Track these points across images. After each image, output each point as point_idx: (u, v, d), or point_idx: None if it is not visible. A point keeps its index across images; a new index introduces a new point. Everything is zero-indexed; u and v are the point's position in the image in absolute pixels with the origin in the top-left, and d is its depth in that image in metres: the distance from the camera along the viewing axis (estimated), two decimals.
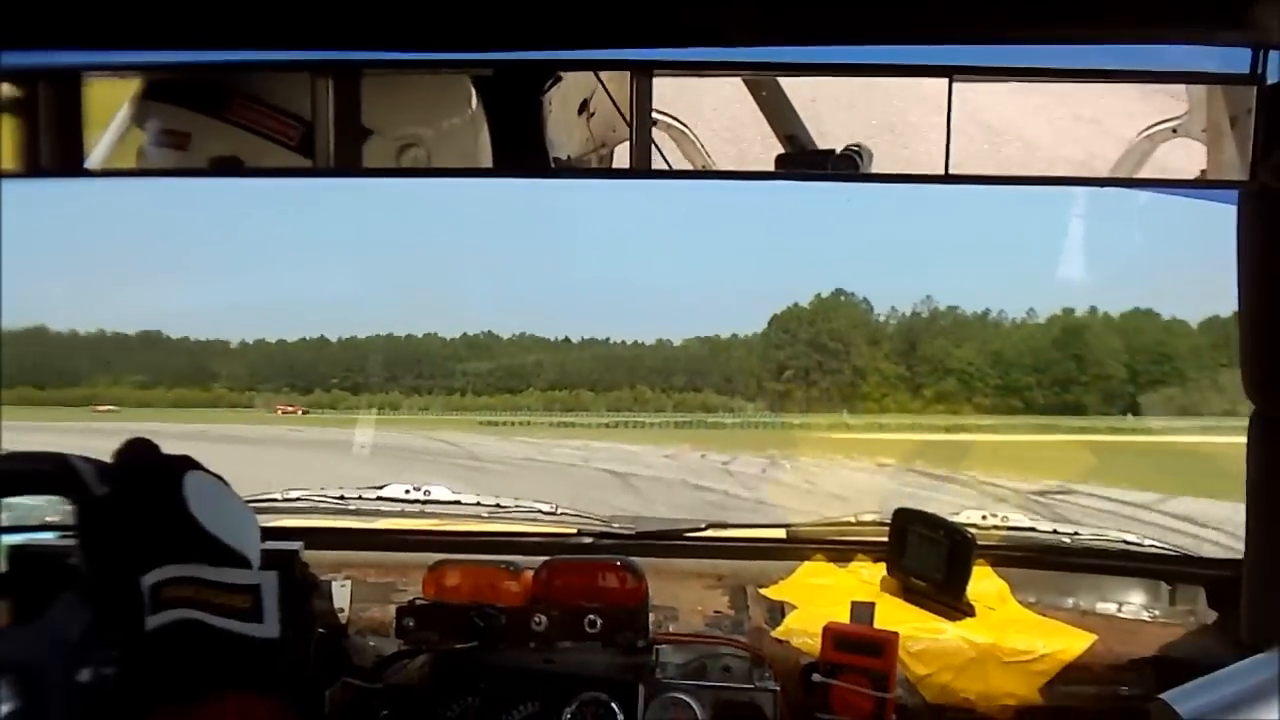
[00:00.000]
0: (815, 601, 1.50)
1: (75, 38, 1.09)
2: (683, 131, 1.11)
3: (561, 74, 1.10)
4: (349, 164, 1.12)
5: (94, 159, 1.14)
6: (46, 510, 1.56)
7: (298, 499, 1.79)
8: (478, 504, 1.80)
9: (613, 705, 1.28)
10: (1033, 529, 1.69)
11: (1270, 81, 1.08)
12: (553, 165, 1.13)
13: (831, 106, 1.11)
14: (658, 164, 1.10)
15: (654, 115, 1.08)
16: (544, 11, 1.05)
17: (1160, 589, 1.55)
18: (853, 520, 1.75)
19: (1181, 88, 1.12)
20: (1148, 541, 1.67)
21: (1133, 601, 1.54)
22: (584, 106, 1.12)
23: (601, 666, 1.31)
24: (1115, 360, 38.87)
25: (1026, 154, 1.12)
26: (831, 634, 1.29)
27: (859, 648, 1.27)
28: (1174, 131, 1.12)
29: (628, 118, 1.08)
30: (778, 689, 1.30)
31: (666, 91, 1.09)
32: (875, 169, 1.11)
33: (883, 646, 1.26)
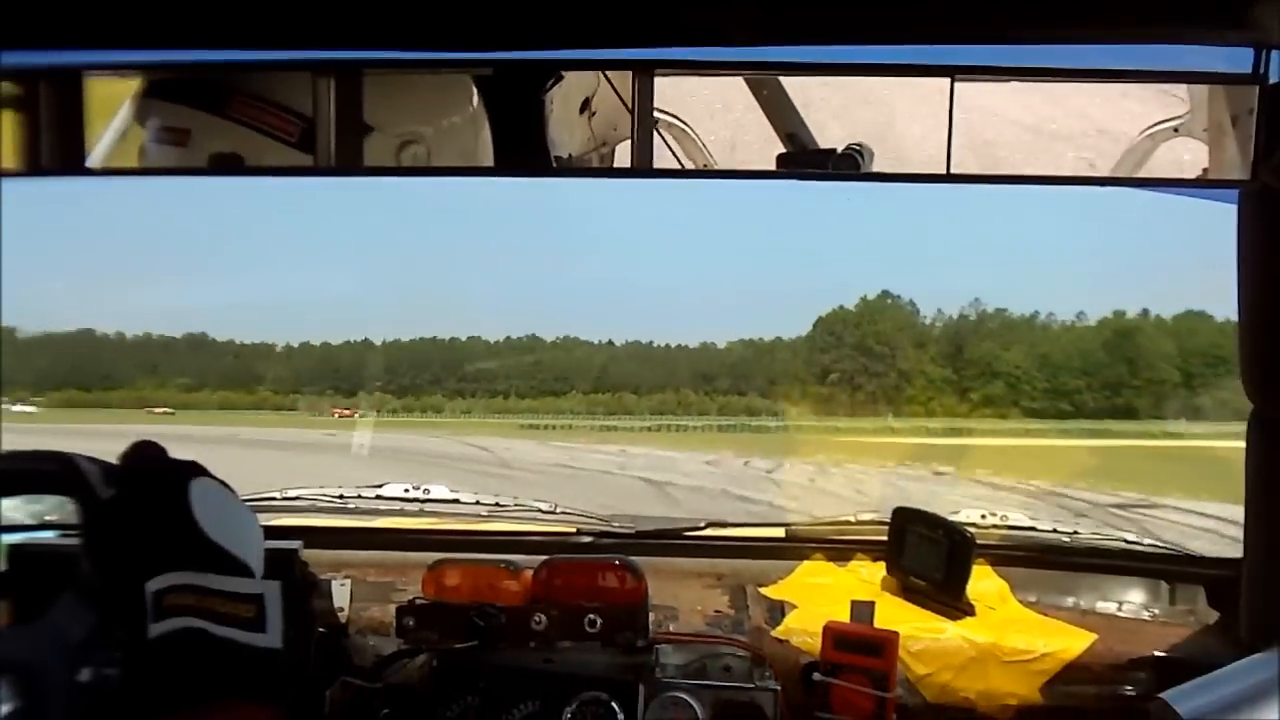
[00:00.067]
0: (815, 601, 1.50)
1: (76, 37, 1.09)
2: (684, 130, 1.11)
3: (563, 73, 1.10)
4: (350, 162, 1.12)
5: (95, 158, 1.14)
6: (47, 509, 1.56)
7: (297, 498, 1.79)
8: (477, 503, 1.80)
9: (613, 705, 1.28)
10: (1033, 528, 1.69)
11: (1272, 81, 1.08)
12: (554, 164, 1.13)
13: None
14: (659, 163, 1.10)
15: (655, 114, 1.08)
16: (546, 11, 1.05)
17: (1160, 588, 1.55)
18: (852, 519, 1.75)
19: (1183, 87, 1.12)
20: (1147, 541, 1.67)
21: (1133, 601, 1.54)
22: (585, 105, 1.12)
23: (601, 666, 1.30)
24: (1168, 363, 38.39)
25: (1027, 153, 1.12)
26: (831, 633, 1.29)
27: (859, 647, 1.27)
28: (1175, 131, 1.12)
29: (629, 117, 1.08)
30: (778, 688, 1.30)
31: (667, 91, 1.09)
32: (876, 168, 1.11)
33: (883, 646, 1.26)
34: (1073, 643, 1.40)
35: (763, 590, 1.54)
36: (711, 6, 1.05)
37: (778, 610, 1.49)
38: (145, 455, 0.95)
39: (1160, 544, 1.67)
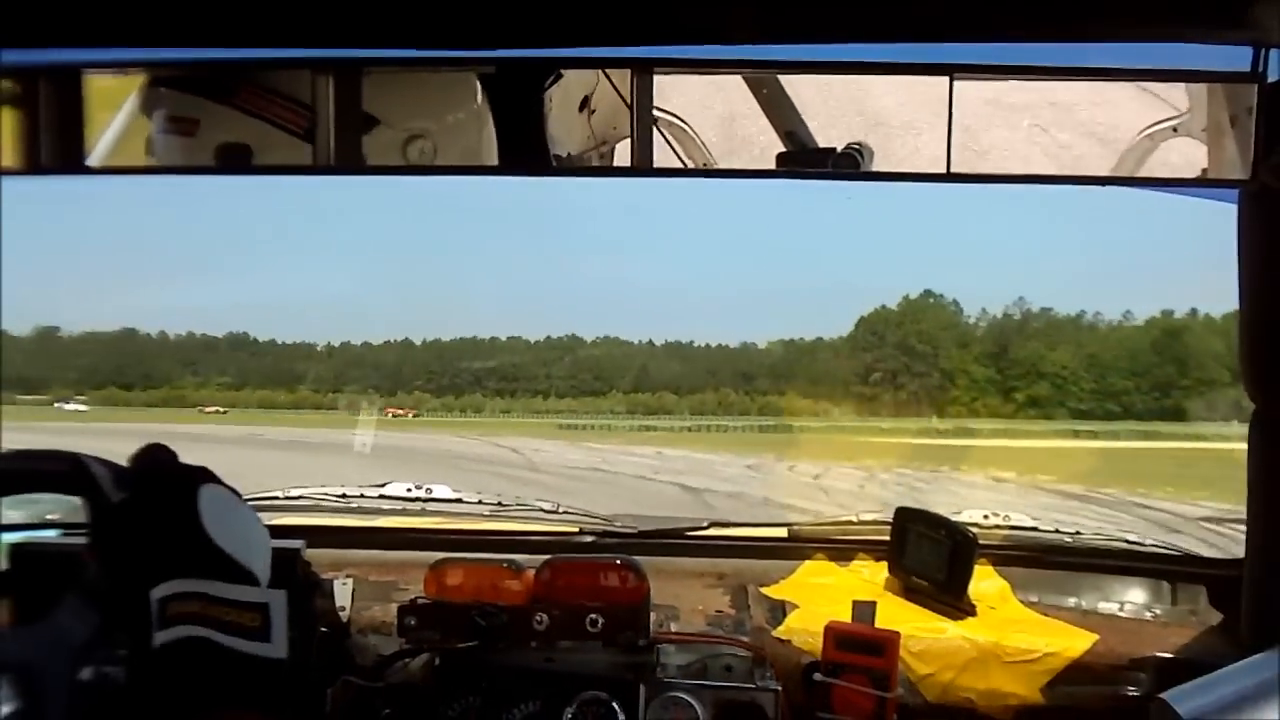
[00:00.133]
0: (816, 601, 1.50)
1: (76, 36, 1.09)
2: (683, 129, 1.11)
3: (563, 71, 1.11)
4: (356, 159, 1.13)
5: (97, 155, 1.15)
6: (48, 508, 1.56)
7: (300, 497, 1.79)
8: (479, 502, 1.80)
9: (614, 705, 1.28)
10: (1034, 528, 1.69)
11: (1271, 80, 1.08)
12: (553, 163, 1.13)
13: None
14: (659, 161, 1.10)
15: (655, 113, 1.08)
16: (545, 9, 1.05)
17: (1162, 589, 1.55)
18: (854, 519, 1.75)
19: (1182, 86, 1.12)
20: (1149, 541, 1.67)
21: (1134, 601, 1.54)
22: (585, 104, 1.13)
23: (603, 666, 1.30)
24: (1218, 364, 37.67)
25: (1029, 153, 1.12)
26: (833, 633, 1.29)
27: (860, 647, 1.27)
28: (1175, 131, 1.12)
29: (628, 115, 1.08)
30: (779, 688, 1.30)
31: (667, 89, 1.09)
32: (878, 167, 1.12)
33: (884, 646, 1.26)
34: (1074, 643, 1.40)
35: (764, 590, 1.54)
36: (711, 5, 1.05)
37: (779, 610, 1.49)
38: (156, 459, 0.95)
39: (1161, 544, 1.67)
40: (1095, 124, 1.11)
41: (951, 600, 1.47)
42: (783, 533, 1.73)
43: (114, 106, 1.15)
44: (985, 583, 1.53)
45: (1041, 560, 1.60)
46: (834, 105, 1.11)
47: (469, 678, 1.31)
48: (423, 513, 1.77)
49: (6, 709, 0.81)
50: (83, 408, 35.85)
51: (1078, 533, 1.67)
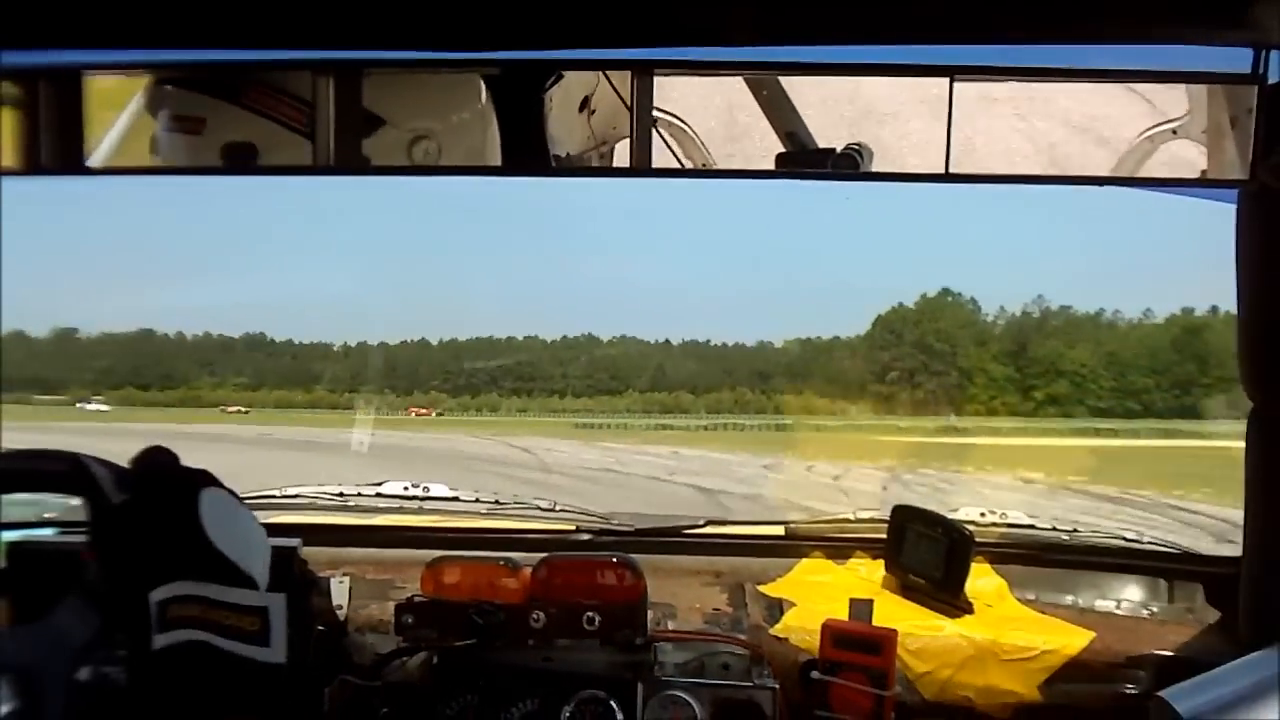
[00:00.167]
0: (814, 599, 1.50)
1: (76, 37, 1.09)
2: (683, 130, 1.11)
3: (563, 73, 1.10)
4: (358, 159, 1.12)
5: (99, 154, 1.14)
6: (47, 507, 1.55)
7: (296, 495, 1.79)
8: (476, 500, 1.80)
9: (611, 703, 1.28)
10: (1032, 526, 1.69)
11: (1271, 81, 1.08)
12: (554, 164, 1.13)
13: None
14: (659, 162, 1.10)
15: (655, 114, 1.08)
16: (545, 11, 1.05)
17: (1159, 586, 1.55)
18: (851, 517, 1.75)
19: (1182, 87, 1.12)
20: (1146, 539, 1.67)
21: (1131, 599, 1.54)
22: (585, 105, 1.12)
23: (600, 664, 1.31)
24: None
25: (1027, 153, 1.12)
26: (830, 631, 1.29)
27: (858, 645, 1.27)
28: (1175, 132, 1.12)
29: (628, 116, 1.08)
30: (776, 686, 1.30)
31: (666, 90, 1.09)
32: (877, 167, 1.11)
33: (881, 644, 1.27)
34: (1071, 641, 1.40)
35: (761, 588, 1.54)
36: (711, 6, 1.05)
37: (776, 608, 1.49)
38: (157, 461, 0.94)
39: (1159, 542, 1.67)
40: (1095, 125, 1.11)
41: (949, 598, 1.47)
42: (780, 531, 1.73)
43: (115, 107, 1.14)
44: (982, 580, 1.53)
45: (1039, 558, 1.60)
46: (833, 106, 1.11)
47: (466, 676, 1.31)
48: (420, 511, 1.77)
49: (5, 709, 0.81)
50: (104, 408, 35.84)
51: (1075, 530, 1.68)
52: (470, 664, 1.31)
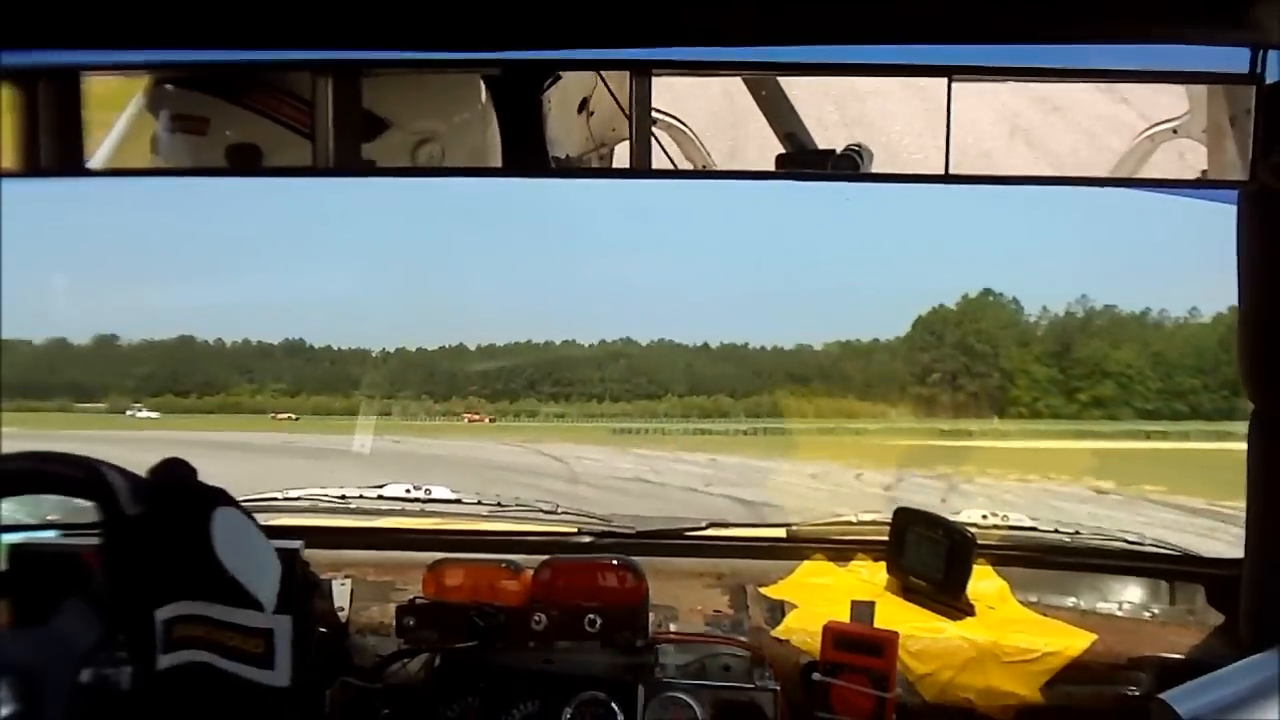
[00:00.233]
0: (815, 601, 1.50)
1: (76, 37, 1.09)
2: (683, 130, 1.11)
3: (561, 73, 1.11)
4: (359, 161, 1.12)
5: (100, 156, 1.15)
6: (48, 509, 1.56)
7: (298, 498, 1.79)
8: (478, 503, 1.80)
9: (612, 705, 1.28)
10: (1033, 528, 1.69)
11: (1270, 81, 1.08)
12: (553, 165, 1.13)
13: None
14: (658, 163, 1.10)
15: (654, 114, 1.08)
16: (544, 11, 1.05)
17: (1160, 588, 1.55)
18: (853, 519, 1.75)
19: (1182, 88, 1.12)
20: (1148, 540, 1.67)
21: (1133, 601, 1.54)
22: (584, 106, 1.13)
23: (601, 666, 1.30)
24: None
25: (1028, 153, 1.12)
26: (831, 633, 1.29)
27: (859, 647, 1.27)
28: (1174, 132, 1.12)
29: (627, 117, 1.09)
30: (777, 688, 1.30)
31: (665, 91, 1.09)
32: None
33: (883, 646, 1.26)
34: (1073, 642, 1.40)
35: (763, 590, 1.54)
36: (710, 7, 1.05)
37: (778, 610, 1.49)
38: (175, 474, 0.94)
39: (1160, 544, 1.67)
40: (1095, 125, 1.11)
41: (950, 600, 1.47)
42: (781, 533, 1.72)
43: (116, 108, 1.15)
44: (984, 582, 1.53)
45: (1040, 560, 1.60)
46: (833, 106, 1.11)
47: (467, 678, 1.31)
48: (421, 513, 1.77)
49: (6, 710, 0.81)
50: (153, 415, 35.81)
51: (1076, 532, 1.67)
52: (471, 666, 1.31)
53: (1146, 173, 1.14)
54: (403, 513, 1.77)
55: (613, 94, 1.10)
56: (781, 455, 22.57)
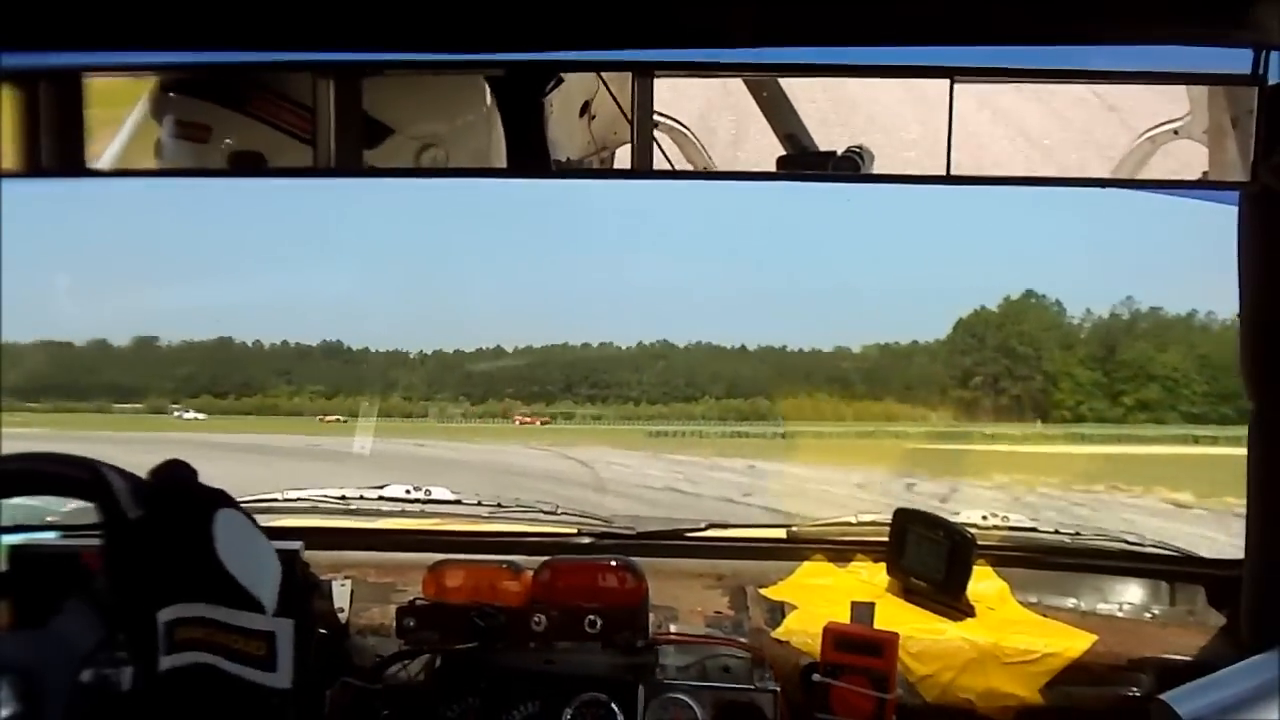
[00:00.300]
0: (815, 602, 1.50)
1: (76, 38, 1.09)
2: (684, 132, 1.11)
3: (563, 75, 1.11)
4: (361, 163, 1.12)
5: (104, 158, 1.15)
6: (48, 509, 1.55)
7: (298, 499, 1.79)
8: (478, 504, 1.80)
9: (613, 705, 1.28)
10: (1034, 529, 1.69)
11: (1271, 82, 1.08)
12: (554, 166, 1.13)
13: None
14: (659, 164, 1.10)
15: (656, 116, 1.09)
16: (544, 13, 1.05)
17: (1161, 589, 1.54)
18: (853, 520, 1.74)
19: (1183, 89, 1.12)
20: (1148, 541, 1.67)
21: (1133, 602, 1.54)
22: (585, 108, 1.13)
23: (601, 667, 1.30)
24: None
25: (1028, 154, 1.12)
26: (832, 634, 1.29)
27: (859, 648, 1.27)
28: (1176, 133, 1.12)
29: (629, 118, 1.08)
30: (778, 689, 1.30)
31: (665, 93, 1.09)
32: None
33: (883, 647, 1.26)
34: (1073, 643, 1.40)
35: (763, 591, 1.54)
36: (711, 8, 1.05)
37: (778, 611, 1.49)
38: (176, 477, 0.94)
39: (1160, 545, 1.67)
40: (1096, 126, 1.11)
41: (950, 601, 1.47)
42: (781, 534, 1.72)
43: (117, 109, 1.15)
44: (984, 583, 1.53)
45: (1040, 561, 1.60)
46: (833, 107, 1.11)
47: (468, 679, 1.31)
48: (421, 514, 1.77)
49: (7, 711, 0.81)
50: (200, 416, 35.83)
51: (1077, 533, 1.67)
52: (471, 667, 1.31)
53: (1148, 173, 1.14)
54: (403, 514, 1.77)
55: (613, 96, 1.10)
56: (823, 461, 21.01)
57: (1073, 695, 1.38)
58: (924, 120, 1.09)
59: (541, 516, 1.76)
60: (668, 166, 1.11)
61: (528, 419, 37.39)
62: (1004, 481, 16.88)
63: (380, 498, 1.81)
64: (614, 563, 1.31)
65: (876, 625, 1.29)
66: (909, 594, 1.53)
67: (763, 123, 1.12)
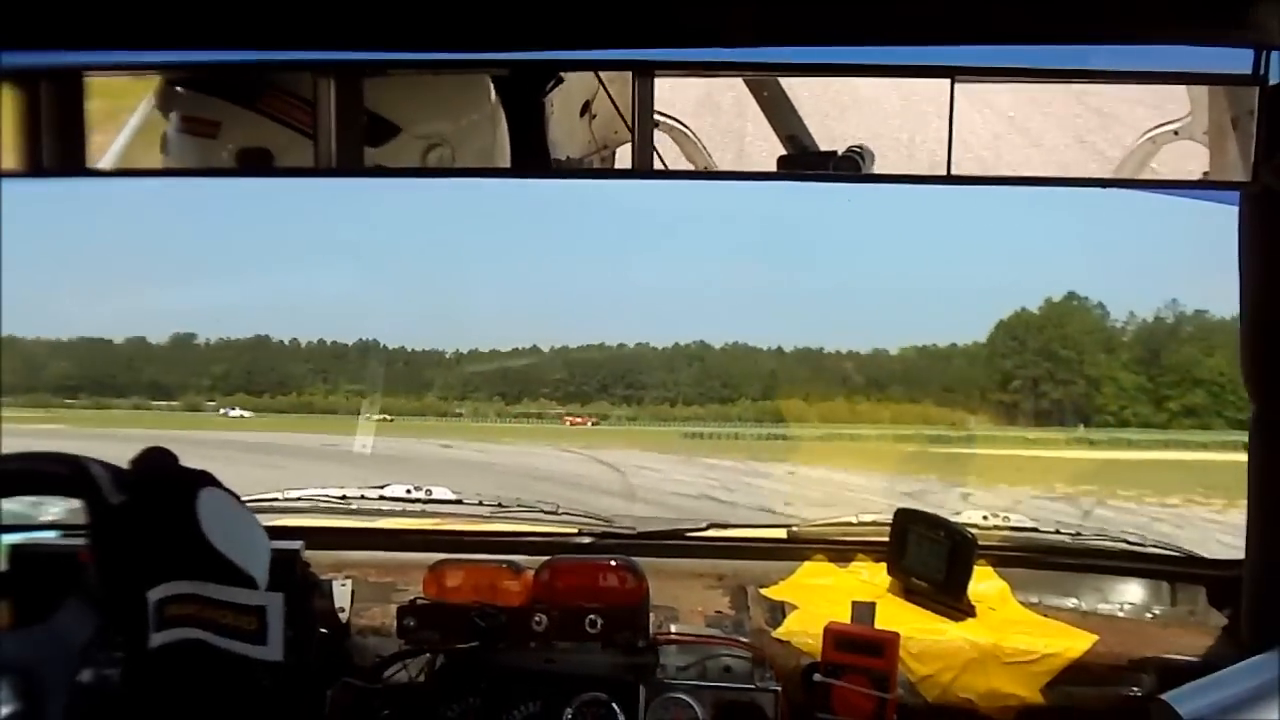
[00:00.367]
0: (816, 602, 1.50)
1: (76, 37, 1.09)
2: (684, 131, 1.11)
3: (564, 75, 1.11)
4: (363, 162, 1.13)
5: (106, 157, 1.15)
6: (48, 509, 1.55)
7: (299, 498, 1.79)
8: (479, 503, 1.80)
9: (613, 705, 1.28)
10: (1034, 529, 1.69)
11: (1272, 82, 1.08)
12: (555, 166, 1.13)
13: None
14: (661, 163, 1.10)
15: (656, 116, 1.09)
16: (545, 12, 1.05)
17: (1161, 589, 1.55)
18: (854, 520, 1.74)
19: (1184, 89, 1.12)
20: (1149, 541, 1.67)
21: (1134, 602, 1.54)
22: (586, 107, 1.13)
23: (602, 667, 1.30)
24: None
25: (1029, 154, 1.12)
26: (832, 634, 1.29)
27: (860, 648, 1.27)
28: (1176, 133, 1.12)
29: (629, 118, 1.09)
30: (778, 689, 1.30)
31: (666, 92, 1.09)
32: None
33: (883, 647, 1.26)
34: (1074, 644, 1.40)
35: (764, 591, 1.54)
36: (712, 8, 1.05)
37: (779, 611, 1.49)
38: (156, 462, 0.95)
39: (1161, 545, 1.67)
40: (1097, 126, 1.11)
41: (951, 601, 1.47)
42: (782, 534, 1.72)
43: (119, 108, 1.15)
44: (985, 584, 1.53)
45: (1041, 561, 1.60)
46: (834, 107, 1.11)
47: (468, 679, 1.31)
48: (422, 514, 1.77)
49: (7, 710, 0.81)
50: (247, 414, 35.89)
51: (1077, 533, 1.67)
52: (472, 667, 1.31)
53: (1148, 173, 1.14)
54: (403, 513, 1.77)
55: (611, 97, 1.10)
56: (866, 467, 19.78)
57: (1073, 695, 1.38)
58: (924, 120, 1.09)
59: (542, 516, 1.76)
60: (669, 166, 1.11)
61: (578, 420, 37.19)
62: (1067, 490, 16.20)
63: (381, 497, 1.81)
64: (615, 562, 1.31)
65: (877, 625, 1.29)
66: (910, 594, 1.53)
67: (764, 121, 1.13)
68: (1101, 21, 1.04)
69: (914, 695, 1.39)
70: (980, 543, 1.50)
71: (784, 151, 1.13)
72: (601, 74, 1.11)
